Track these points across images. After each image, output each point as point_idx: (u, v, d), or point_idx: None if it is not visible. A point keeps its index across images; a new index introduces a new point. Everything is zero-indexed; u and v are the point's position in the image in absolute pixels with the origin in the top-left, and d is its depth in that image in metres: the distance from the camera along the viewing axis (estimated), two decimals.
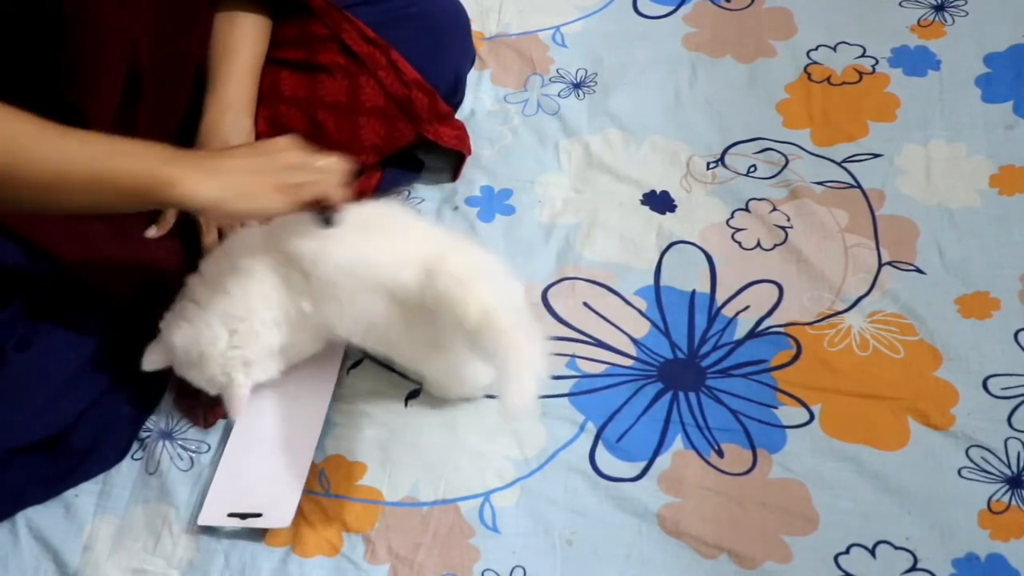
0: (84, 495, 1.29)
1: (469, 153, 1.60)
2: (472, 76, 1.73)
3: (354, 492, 1.27)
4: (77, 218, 1.30)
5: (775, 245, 1.48)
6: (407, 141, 1.52)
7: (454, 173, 1.59)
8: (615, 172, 1.59)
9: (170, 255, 1.36)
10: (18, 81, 1.21)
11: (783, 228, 1.49)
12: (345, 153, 1.39)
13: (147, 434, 1.34)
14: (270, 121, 1.45)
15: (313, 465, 1.29)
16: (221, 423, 1.34)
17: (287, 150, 1.19)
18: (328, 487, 1.28)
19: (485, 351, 1.15)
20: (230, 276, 1.25)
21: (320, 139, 1.42)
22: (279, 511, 1.24)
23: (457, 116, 1.62)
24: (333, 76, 1.46)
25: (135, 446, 1.33)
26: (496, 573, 1.21)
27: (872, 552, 1.18)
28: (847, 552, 1.19)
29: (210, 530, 1.25)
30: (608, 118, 1.67)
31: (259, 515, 1.24)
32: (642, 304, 1.44)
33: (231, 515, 1.24)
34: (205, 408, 1.34)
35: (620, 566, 1.20)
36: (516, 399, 1.11)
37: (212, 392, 1.29)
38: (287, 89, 1.46)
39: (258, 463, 1.29)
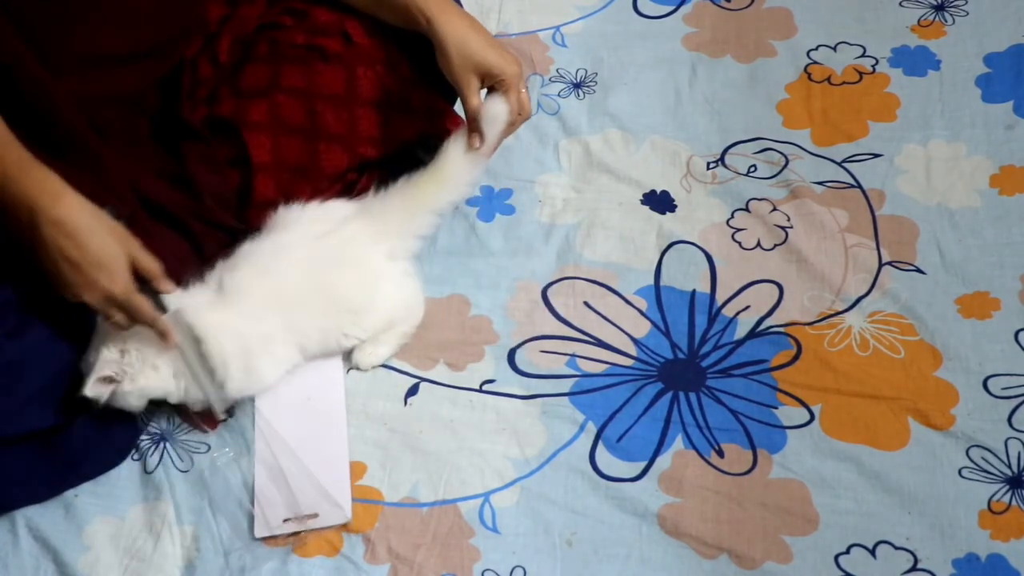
0: (84, 495, 1.29)
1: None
2: None
3: (354, 492, 1.27)
4: None
5: (775, 245, 1.48)
6: (406, 137, 1.51)
7: None
8: (615, 172, 1.59)
9: (174, 254, 1.35)
10: None
11: (783, 228, 1.49)
12: (343, 144, 1.42)
13: (147, 436, 1.33)
14: (269, 111, 1.44)
15: None
16: (221, 427, 1.34)
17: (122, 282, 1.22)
18: None
19: None
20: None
21: (318, 130, 1.43)
22: (336, 507, 1.25)
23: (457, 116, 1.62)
24: (331, 65, 1.46)
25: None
26: (496, 573, 1.21)
27: (872, 552, 1.18)
28: (847, 552, 1.19)
29: (209, 530, 1.25)
30: (608, 118, 1.67)
31: (315, 515, 1.25)
32: (642, 304, 1.44)
33: (287, 520, 1.25)
34: (206, 412, 1.33)
35: (620, 566, 1.20)
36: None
37: (89, 359, 1.26)
38: (285, 79, 1.46)
39: (293, 466, 1.29)
